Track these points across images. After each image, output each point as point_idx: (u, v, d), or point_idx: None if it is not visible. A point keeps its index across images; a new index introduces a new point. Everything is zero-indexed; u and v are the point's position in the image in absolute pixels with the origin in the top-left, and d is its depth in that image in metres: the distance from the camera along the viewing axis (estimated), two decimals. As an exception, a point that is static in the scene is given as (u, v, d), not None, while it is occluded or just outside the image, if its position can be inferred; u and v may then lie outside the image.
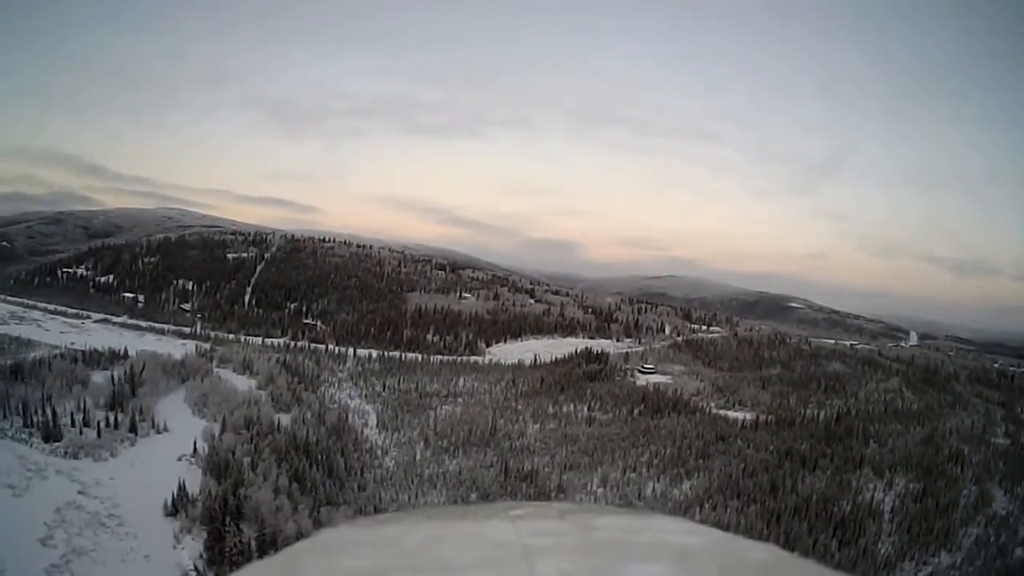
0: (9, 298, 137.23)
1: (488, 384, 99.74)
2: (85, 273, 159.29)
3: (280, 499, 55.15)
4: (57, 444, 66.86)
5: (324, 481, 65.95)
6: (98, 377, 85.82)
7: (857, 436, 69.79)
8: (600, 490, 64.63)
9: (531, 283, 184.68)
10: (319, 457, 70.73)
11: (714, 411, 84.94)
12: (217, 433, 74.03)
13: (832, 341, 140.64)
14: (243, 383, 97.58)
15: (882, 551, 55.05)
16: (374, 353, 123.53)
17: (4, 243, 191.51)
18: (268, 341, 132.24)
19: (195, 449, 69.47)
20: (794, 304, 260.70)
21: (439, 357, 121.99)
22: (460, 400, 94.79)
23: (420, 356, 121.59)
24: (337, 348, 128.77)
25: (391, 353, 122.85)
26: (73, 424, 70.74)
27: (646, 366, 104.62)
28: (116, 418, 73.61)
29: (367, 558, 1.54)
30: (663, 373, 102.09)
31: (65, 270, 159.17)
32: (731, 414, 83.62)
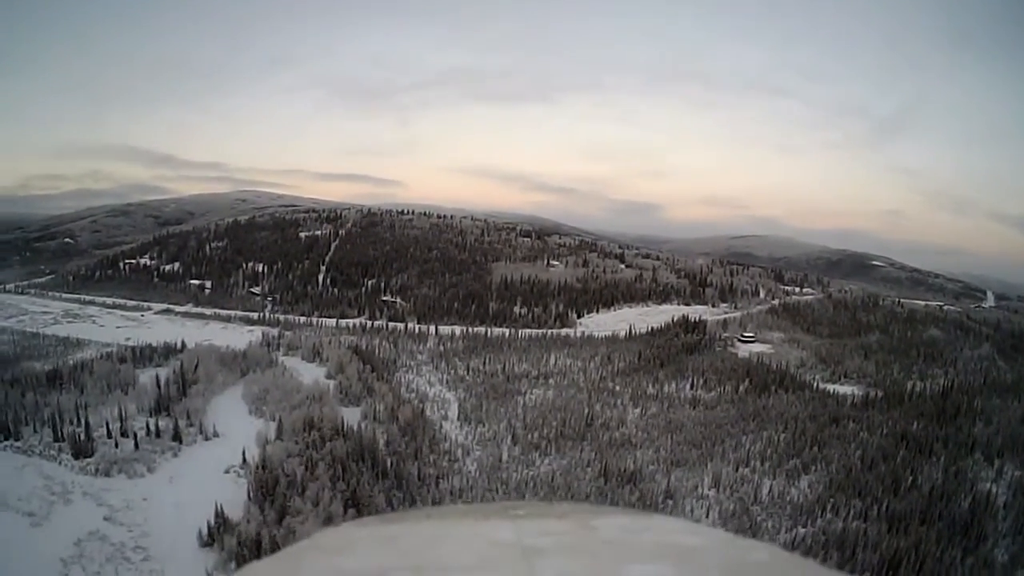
0: (65, 295, 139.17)
1: (581, 361, 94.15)
2: (148, 263, 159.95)
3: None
4: (88, 460, 61.75)
5: (391, 496, 57.12)
6: (145, 378, 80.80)
7: (964, 414, 66.23)
8: (712, 492, 58.28)
9: (620, 247, 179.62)
10: (388, 464, 62.19)
11: (821, 386, 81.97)
12: (273, 436, 67.03)
13: (922, 303, 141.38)
14: (310, 373, 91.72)
15: (1000, 558, 48.76)
16: (457, 330, 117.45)
17: (67, 239, 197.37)
18: (343, 322, 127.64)
19: (244, 459, 62.05)
20: (876, 262, 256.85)
21: (528, 331, 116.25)
22: (551, 382, 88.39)
23: (507, 331, 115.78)
24: (417, 326, 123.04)
25: (476, 329, 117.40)
26: (109, 435, 65.37)
27: (745, 335, 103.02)
28: (158, 425, 67.23)
29: (367, 558, 1.58)
30: (763, 342, 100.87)
31: (127, 261, 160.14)
32: (839, 389, 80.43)
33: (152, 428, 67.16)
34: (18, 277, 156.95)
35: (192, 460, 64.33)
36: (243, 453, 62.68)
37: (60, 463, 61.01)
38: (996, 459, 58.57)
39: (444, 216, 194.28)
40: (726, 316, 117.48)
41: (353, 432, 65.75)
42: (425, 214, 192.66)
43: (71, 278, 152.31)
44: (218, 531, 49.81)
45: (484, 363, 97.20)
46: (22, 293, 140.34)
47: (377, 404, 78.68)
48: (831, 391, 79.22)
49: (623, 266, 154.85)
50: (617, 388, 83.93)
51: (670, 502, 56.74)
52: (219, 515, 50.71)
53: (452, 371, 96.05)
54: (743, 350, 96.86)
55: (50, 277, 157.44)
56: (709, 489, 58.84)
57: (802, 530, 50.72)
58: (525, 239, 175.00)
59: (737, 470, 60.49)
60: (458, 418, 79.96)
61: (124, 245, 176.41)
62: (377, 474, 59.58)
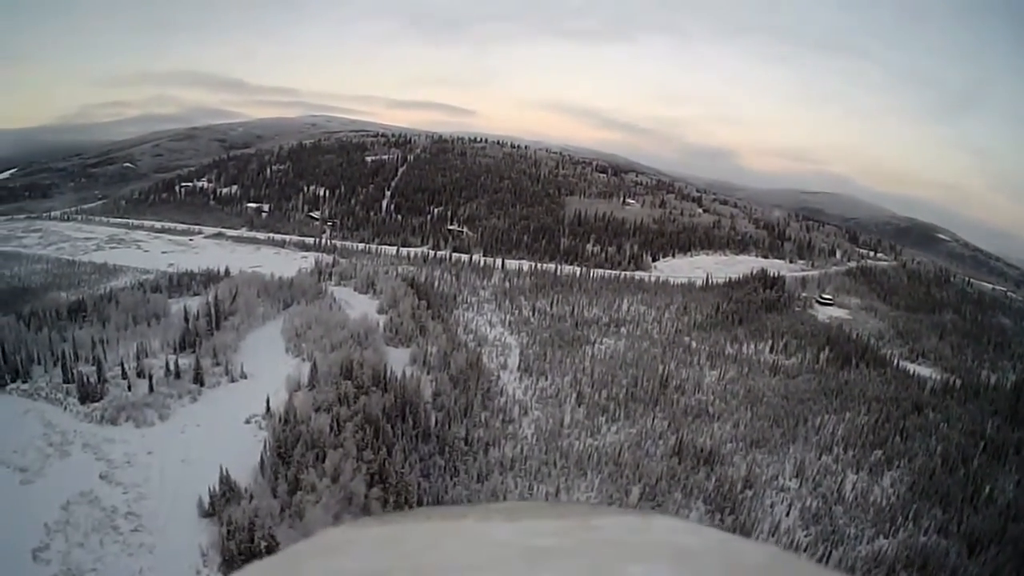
0: (113, 220, 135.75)
1: (656, 310, 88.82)
2: (206, 186, 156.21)
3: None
4: (95, 406, 55.53)
5: (429, 466, 48.52)
6: (177, 310, 73.72)
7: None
8: (794, 484, 52.47)
9: (697, 191, 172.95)
10: (432, 422, 53.57)
11: (901, 364, 78.32)
12: (305, 381, 59.27)
13: (990, 286, 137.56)
14: (360, 307, 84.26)
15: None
16: (526, 265, 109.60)
17: (127, 164, 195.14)
18: (405, 251, 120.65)
19: (268, 407, 54.41)
20: (942, 236, 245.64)
21: (600, 272, 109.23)
22: (623, 331, 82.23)
23: (578, 270, 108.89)
24: (483, 259, 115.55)
25: (545, 265, 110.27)
26: (124, 375, 58.43)
27: (824, 296, 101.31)
28: (178, 365, 60.21)
29: (367, 558, 1.59)
30: (841, 306, 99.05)
31: (184, 184, 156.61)
32: (918, 370, 76.84)
33: (172, 368, 60.32)
34: (69, 204, 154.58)
35: (212, 406, 57.34)
36: (267, 401, 55.12)
37: (65, 408, 55.09)
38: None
39: (518, 146, 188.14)
40: (804, 274, 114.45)
41: (396, 381, 57.17)
42: (498, 143, 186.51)
43: (123, 202, 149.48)
44: (222, 499, 42.07)
45: (552, 304, 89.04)
46: (68, 220, 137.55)
47: (429, 346, 70.28)
48: (911, 371, 75.61)
49: (700, 210, 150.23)
50: (693, 344, 78.07)
51: (748, 492, 50.57)
52: (224, 481, 42.96)
53: (516, 311, 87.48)
54: (822, 313, 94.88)
55: (102, 202, 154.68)
56: (791, 479, 53.04)
57: (883, 542, 45.88)
58: (601, 175, 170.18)
59: (820, 458, 55.59)
60: (518, 368, 70.45)
61: (185, 169, 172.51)
62: (417, 436, 50.95)
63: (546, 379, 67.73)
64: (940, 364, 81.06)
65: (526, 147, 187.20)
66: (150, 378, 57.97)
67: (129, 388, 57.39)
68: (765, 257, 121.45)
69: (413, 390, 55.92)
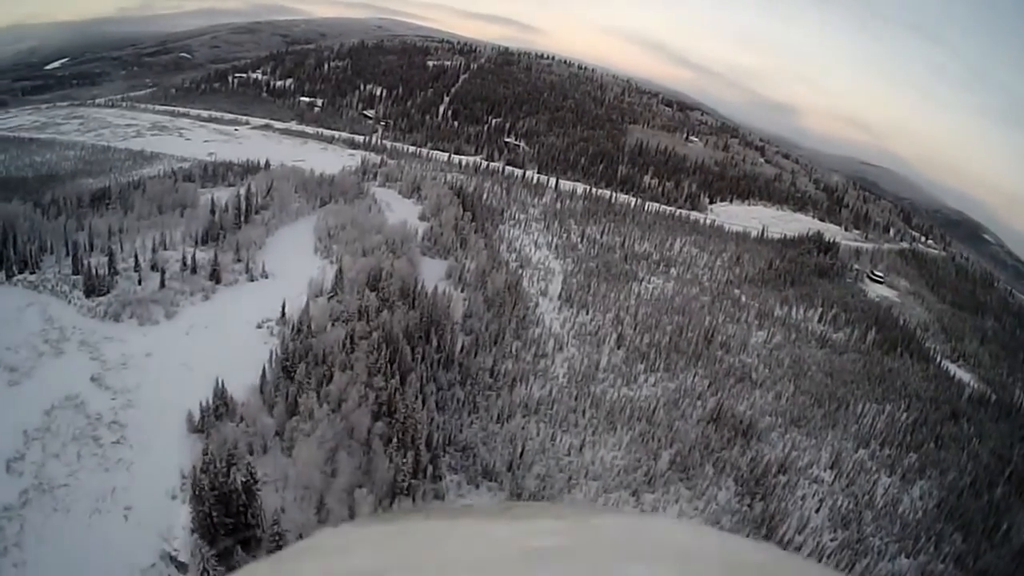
0: (159, 107, 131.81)
1: (708, 255, 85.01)
2: (260, 78, 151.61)
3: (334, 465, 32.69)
4: (99, 300, 50.90)
5: (445, 399, 43.10)
6: (206, 200, 68.91)
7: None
8: (827, 476, 48.61)
9: (761, 140, 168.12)
10: (457, 348, 47.89)
11: (943, 362, 75.47)
12: (328, 287, 54.20)
13: None
14: (401, 211, 78.69)
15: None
16: (580, 188, 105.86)
17: (183, 54, 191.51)
18: (457, 159, 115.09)
19: (284, 313, 49.43)
20: (988, 237, 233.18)
21: (655, 206, 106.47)
22: (672, 272, 78.13)
23: (634, 201, 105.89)
24: (537, 176, 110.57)
25: (600, 191, 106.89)
26: (137, 268, 53.78)
27: (876, 273, 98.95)
28: (195, 260, 55.61)
29: (367, 558, 1.60)
30: (891, 286, 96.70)
31: (237, 75, 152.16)
32: (959, 372, 74.00)
33: (189, 262, 55.70)
34: (117, 92, 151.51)
35: (224, 306, 52.81)
36: (283, 306, 50.14)
37: (70, 302, 51.18)
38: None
39: (585, 67, 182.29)
40: (858, 245, 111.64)
41: (426, 297, 51.44)
42: (565, 62, 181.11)
43: (173, 90, 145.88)
44: (213, 414, 37.42)
45: (602, 232, 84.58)
46: (112, 106, 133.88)
47: (467, 262, 64.67)
48: (951, 372, 72.75)
49: (763, 160, 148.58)
50: (743, 299, 74.47)
51: (782, 478, 46.71)
52: (218, 394, 38.20)
53: (565, 235, 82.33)
54: (872, 290, 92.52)
55: (151, 90, 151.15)
56: (826, 470, 49.25)
57: (904, 562, 43.26)
58: (666, 108, 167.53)
59: (857, 451, 52.27)
60: (559, 297, 65.01)
61: (241, 61, 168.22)
62: (439, 361, 45.36)
63: (586, 313, 62.43)
64: (978, 372, 77.52)
65: (593, 69, 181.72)
66: (162, 272, 53.40)
67: (139, 282, 52.99)
68: (822, 220, 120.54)
69: (443, 308, 50.22)
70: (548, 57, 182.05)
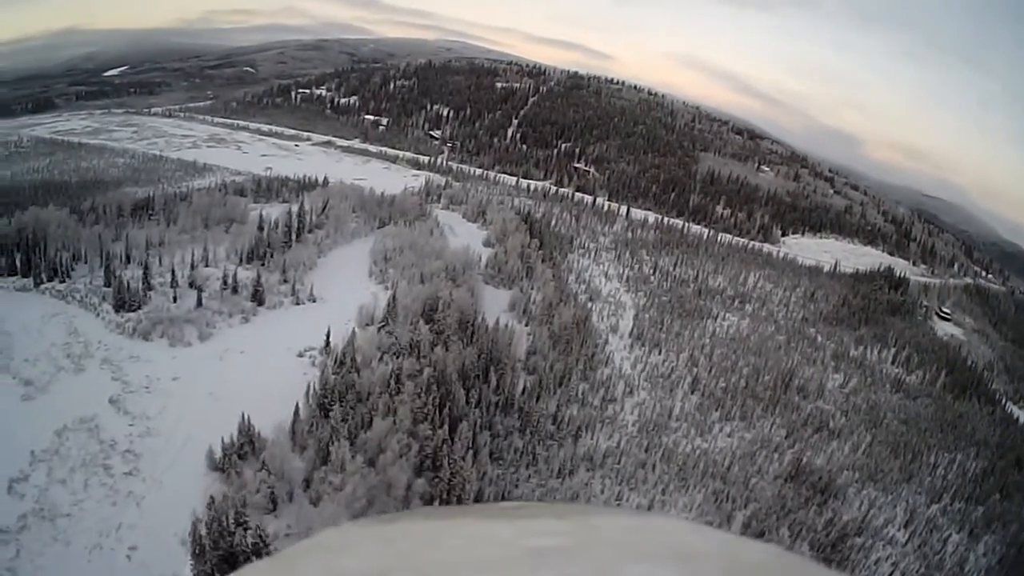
0: (218, 120, 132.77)
1: (783, 291, 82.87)
2: (324, 94, 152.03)
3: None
4: (130, 315, 48.10)
5: (502, 447, 38.48)
6: (256, 216, 66.55)
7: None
8: (901, 535, 45.50)
9: (830, 171, 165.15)
10: (519, 388, 43.31)
11: (1007, 405, 73.02)
12: (380, 315, 50.53)
13: None
14: (464, 236, 75.58)
15: None
16: (651, 217, 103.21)
17: (248, 68, 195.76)
18: (525, 183, 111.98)
19: (328, 342, 45.74)
20: None
21: (727, 237, 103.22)
22: (747, 309, 75.38)
23: (706, 232, 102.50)
24: (607, 203, 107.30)
25: (672, 221, 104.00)
26: (174, 284, 51.08)
27: (944, 310, 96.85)
28: (236, 279, 52.95)
29: (367, 558, 1.63)
30: (957, 323, 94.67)
31: (301, 91, 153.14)
32: (1022, 416, 70.56)
33: (230, 281, 52.82)
34: (176, 102, 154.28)
35: (265, 330, 49.95)
36: (328, 334, 46.46)
37: (98, 315, 49.40)
38: None
39: (655, 93, 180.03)
40: (926, 280, 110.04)
41: (485, 332, 47.18)
42: (635, 87, 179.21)
43: (233, 103, 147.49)
44: (237, 453, 33.57)
45: (675, 265, 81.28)
46: (170, 116, 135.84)
47: (533, 292, 60.68)
48: (1015, 416, 69.85)
49: (832, 191, 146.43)
50: (819, 338, 72.11)
51: (858, 540, 43.55)
52: (245, 430, 34.38)
53: (636, 266, 78.86)
54: (940, 328, 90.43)
55: (210, 102, 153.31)
56: (900, 529, 46.33)
57: None
58: (737, 136, 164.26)
59: (930, 506, 49.72)
60: (630, 334, 60.67)
61: (305, 77, 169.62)
62: (496, 405, 40.86)
63: (659, 353, 58.25)
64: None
65: (663, 95, 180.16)
66: (199, 290, 50.56)
67: (174, 299, 50.47)
68: (891, 254, 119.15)
69: (504, 344, 45.85)
70: (618, 82, 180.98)
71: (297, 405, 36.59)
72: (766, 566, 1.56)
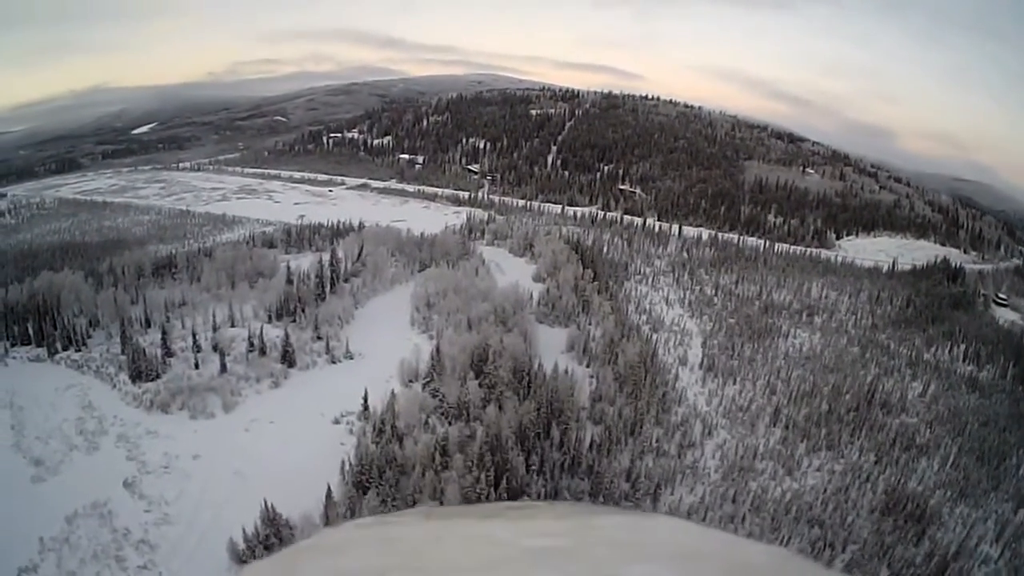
0: (249, 170, 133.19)
1: (848, 297, 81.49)
2: (356, 136, 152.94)
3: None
4: (147, 385, 45.10)
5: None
6: (284, 268, 63.78)
7: None
8: (994, 551, 41.09)
9: (872, 166, 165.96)
10: (587, 442, 38.62)
11: None
12: (424, 369, 46.61)
13: None
14: (512, 272, 73.00)
15: None
16: (704, 234, 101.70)
17: (279, 117, 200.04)
18: (571, 210, 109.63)
19: (366, 405, 41.79)
20: None
21: (783, 246, 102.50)
22: (816, 322, 73.14)
23: (762, 243, 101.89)
24: (658, 224, 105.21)
25: (725, 235, 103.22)
26: (196, 348, 47.97)
27: (1000, 296, 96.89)
28: (263, 340, 49.61)
29: (367, 558, 1.68)
30: (1014, 308, 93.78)
31: (333, 135, 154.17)
32: None
33: (257, 342, 49.43)
34: (206, 155, 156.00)
35: (296, 395, 46.76)
36: (365, 396, 42.50)
37: (114, 386, 46.95)
38: None
39: (691, 106, 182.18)
40: (979, 266, 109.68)
41: (544, 380, 42.73)
42: (671, 102, 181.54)
43: (265, 153, 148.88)
44: (262, 544, 29.44)
45: (736, 282, 79.21)
46: (199, 170, 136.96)
47: (592, 328, 56.86)
48: None
49: (878, 186, 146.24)
50: (892, 345, 69.76)
51: (955, 565, 38.40)
52: (269, 517, 30.24)
53: (697, 288, 76.36)
54: (999, 314, 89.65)
55: (241, 153, 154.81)
56: (992, 544, 42.13)
57: None
58: (778, 141, 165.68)
59: (1016, 513, 45.71)
60: (700, 365, 56.58)
61: (335, 121, 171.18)
62: (561, 465, 36.05)
63: (734, 383, 54.28)
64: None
65: (699, 107, 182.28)
66: (222, 354, 47.29)
67: (196, 366, 47.56)
68: (942, 244, 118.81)
69: (565, 393, 41.25)
70: (653, 98, 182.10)
71: (329, 487, 32.36)
72: (766, 566, 1.43)
